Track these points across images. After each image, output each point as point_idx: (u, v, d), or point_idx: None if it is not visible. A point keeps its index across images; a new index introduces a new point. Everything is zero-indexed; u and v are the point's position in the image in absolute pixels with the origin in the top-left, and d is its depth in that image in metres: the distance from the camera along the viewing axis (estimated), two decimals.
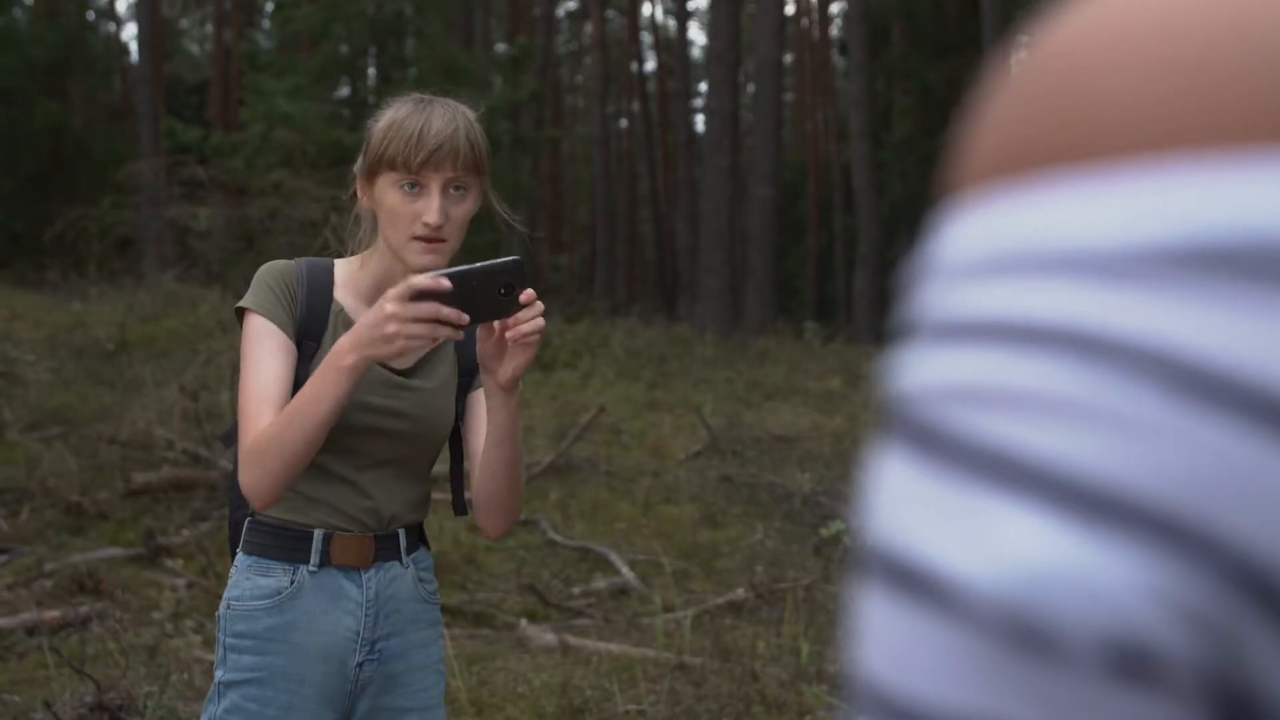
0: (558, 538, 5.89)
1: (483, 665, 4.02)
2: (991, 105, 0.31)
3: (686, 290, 23.45)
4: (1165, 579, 0.25)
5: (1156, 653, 0.26)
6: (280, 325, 1.80)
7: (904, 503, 0.29)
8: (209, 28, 34.17)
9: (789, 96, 31.77)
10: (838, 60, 31.77)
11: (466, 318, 1.64)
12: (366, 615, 1.87)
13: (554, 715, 3.62)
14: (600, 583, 5.25)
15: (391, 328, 1.63)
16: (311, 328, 1.83)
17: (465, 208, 1.81)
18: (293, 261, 1.87)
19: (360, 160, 1.87)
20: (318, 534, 1.85)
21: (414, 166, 1.77)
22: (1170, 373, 0.26)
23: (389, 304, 1.64)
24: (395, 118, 1.80)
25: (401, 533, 1.92)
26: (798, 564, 5.38)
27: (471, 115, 1.85)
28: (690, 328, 16.02)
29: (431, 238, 1.78)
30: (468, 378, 1.94)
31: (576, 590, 5.15)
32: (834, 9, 31.55)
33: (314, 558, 1.84)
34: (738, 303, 16.82)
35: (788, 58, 29.15)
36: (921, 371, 0.30)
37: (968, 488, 0.27)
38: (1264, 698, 0.26)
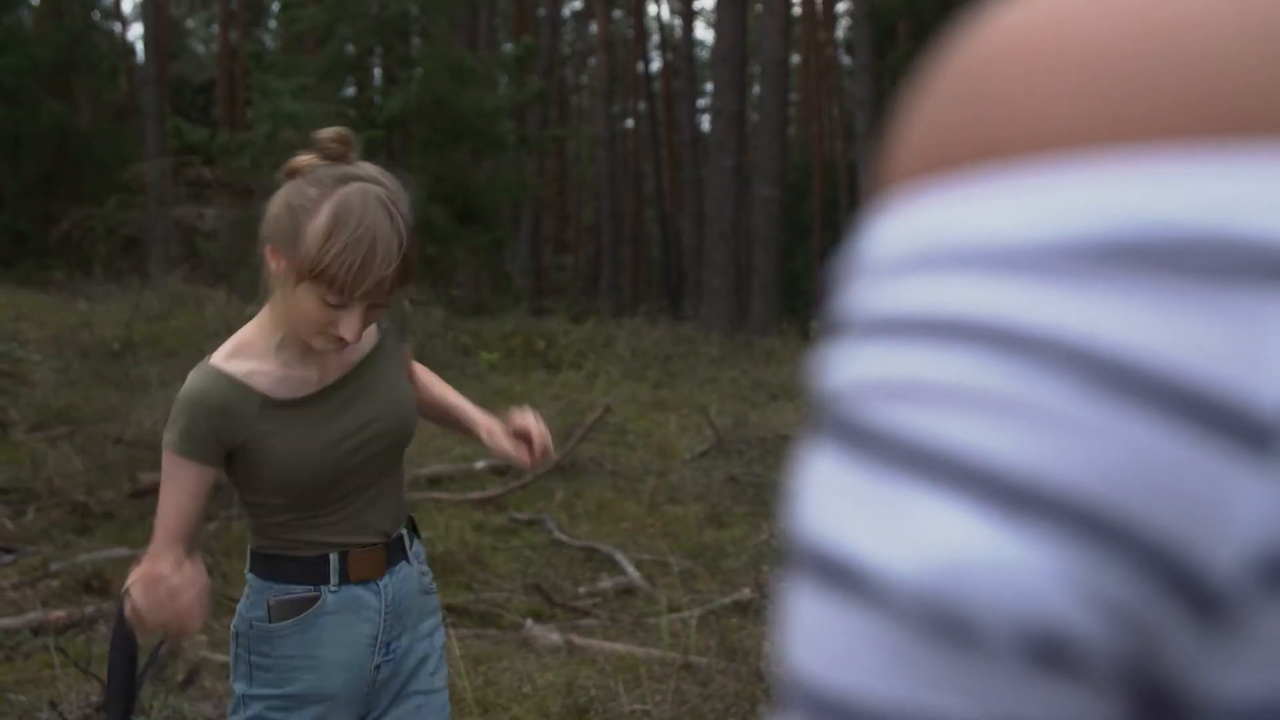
0: (563, 537, 5.88)
1: (488, 665, 4.02)
2: (917, 105, 0.31)
3: (692, 290, 23.45)
4: (1083, 570, 0.26)
5: (1074, 642, 0.26)
6: (207, 460, 1.73)
7: (829, 497, 0.29)
8: (214, 28, 34.17)
9: (794, 96, 31.76)
10: (843, 60, 31.76)
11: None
12: (385, 620, 1.87)
13: (559, 715, 3.62)
14: (606, 582, 5.25)
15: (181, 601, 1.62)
16: (239, 428, 1.75)
17: (374, 316, 1.73)
18: (215, 383, 1.73)
19: (279, 240, 1.69)
20: (334, 555, 1.82)
21: (346, 298, 1.66)
22: (1088, 366, 0.26)
23: (173, 579, 1.61)
24: (336, 230, 1.63)
25: (404, 532, 1.92)
26: None
27: (405, 211, 1.70)
28: (695, 327, 15.99)
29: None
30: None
31: (582, 590, 5.14)
32: (840, 9, 31.55)
33: (334, 578, 1.82)
34: (743, 302, 16.80)
35: (794, 58, 29.13)
36: (847, 367, 0.30)
37: (890, 481, 0.28)
38: (1181, 686, 0.27)
